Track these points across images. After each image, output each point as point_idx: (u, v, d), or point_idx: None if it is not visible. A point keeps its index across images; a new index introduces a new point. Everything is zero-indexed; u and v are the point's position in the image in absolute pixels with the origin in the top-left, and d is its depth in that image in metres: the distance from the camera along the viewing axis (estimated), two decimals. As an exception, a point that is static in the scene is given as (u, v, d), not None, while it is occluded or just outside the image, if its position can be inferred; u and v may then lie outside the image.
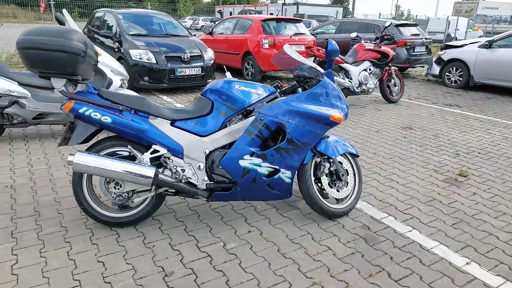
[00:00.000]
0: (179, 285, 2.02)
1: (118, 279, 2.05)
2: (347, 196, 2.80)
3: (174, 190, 2.48)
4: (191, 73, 6.70)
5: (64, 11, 3.94)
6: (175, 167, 2.42)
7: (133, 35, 6.84)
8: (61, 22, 3.78)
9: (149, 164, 2.37)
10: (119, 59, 6.53)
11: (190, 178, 2.44)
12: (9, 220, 2.58)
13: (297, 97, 2.50)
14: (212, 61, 7.17)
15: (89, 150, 2.38)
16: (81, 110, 2.26)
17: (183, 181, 2.43)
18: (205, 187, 2.47)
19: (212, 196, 2.49)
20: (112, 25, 7.26)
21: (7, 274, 2.07)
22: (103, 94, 2.35)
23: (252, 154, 2.43)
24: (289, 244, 2.43)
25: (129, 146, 2.38)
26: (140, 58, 6.29)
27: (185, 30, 7.88)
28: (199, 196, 2.48)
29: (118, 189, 2.39)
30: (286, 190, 2.58)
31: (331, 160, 2.68)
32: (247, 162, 2.43)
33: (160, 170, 2.43)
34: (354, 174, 2.84)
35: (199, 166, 2.44)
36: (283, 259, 2.28)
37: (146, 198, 2.50)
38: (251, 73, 8.37)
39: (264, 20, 8.34)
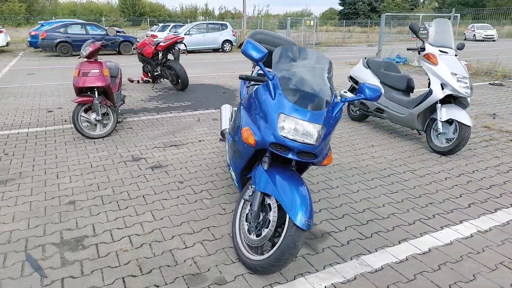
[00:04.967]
0: None
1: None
2: (263, 250, 2.05)
3: None
4: None
5: (444, 20, 4.00)
6: None
7: None
8: (414, 31, 3.99)
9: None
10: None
11: None
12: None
13: (249, 96, 2.25)
14: None
15: None
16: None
17: None
18: None
19: None
20: None
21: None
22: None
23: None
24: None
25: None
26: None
27: None
28: None
29: None
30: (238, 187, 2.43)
31: (253, 188, 2.08)
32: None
33: None
34: (279, 236, 1.97)
35: None
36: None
37: None
38: None
39: None
